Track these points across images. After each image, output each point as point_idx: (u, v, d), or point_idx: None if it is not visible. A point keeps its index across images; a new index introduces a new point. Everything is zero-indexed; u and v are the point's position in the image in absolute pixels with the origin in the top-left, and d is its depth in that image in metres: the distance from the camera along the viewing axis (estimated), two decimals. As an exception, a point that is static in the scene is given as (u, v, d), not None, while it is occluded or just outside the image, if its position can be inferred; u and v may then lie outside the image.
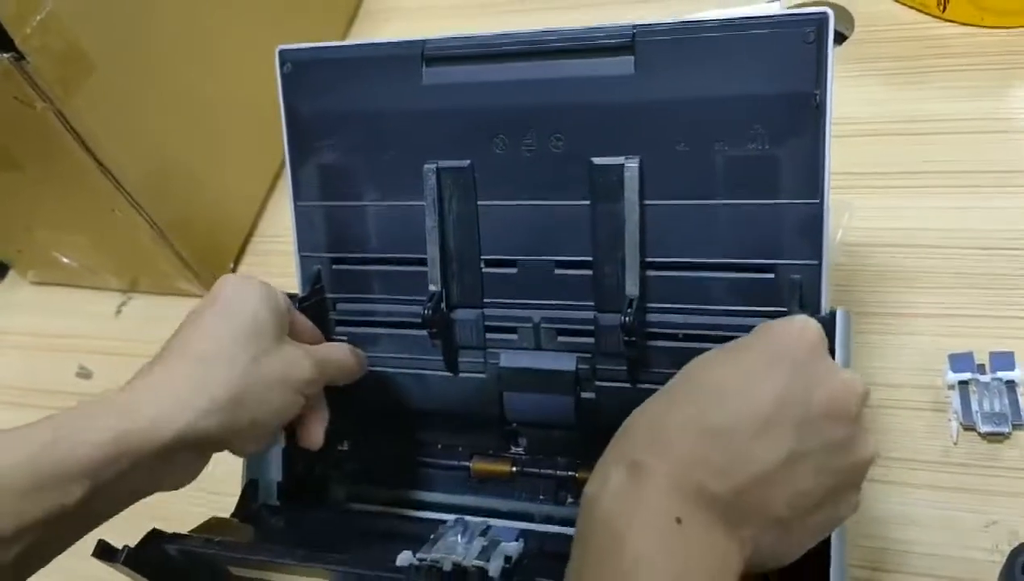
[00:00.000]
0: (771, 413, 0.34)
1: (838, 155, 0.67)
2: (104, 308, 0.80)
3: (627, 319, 0.47)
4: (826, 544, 0.40)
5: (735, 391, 0.35)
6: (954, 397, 0.55)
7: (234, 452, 0.46)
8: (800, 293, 0.46)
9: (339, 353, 0.51)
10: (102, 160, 0.64)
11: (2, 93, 0.60)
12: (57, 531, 0.39)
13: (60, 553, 0.40)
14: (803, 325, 0.37)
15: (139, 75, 0.66)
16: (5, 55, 0.57)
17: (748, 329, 0.46)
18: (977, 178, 0.63)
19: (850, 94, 0.68)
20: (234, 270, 0.78)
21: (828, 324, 0.43)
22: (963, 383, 0.55)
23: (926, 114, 0.67)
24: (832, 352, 0.42)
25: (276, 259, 0.76)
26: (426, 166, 0.51)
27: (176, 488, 0.44)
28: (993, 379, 0.55)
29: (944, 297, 0.59)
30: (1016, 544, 0.48)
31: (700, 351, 0.47)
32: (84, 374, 0.76)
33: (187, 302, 0.78)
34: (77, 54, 0.61)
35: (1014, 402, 0.54)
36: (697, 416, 0.35)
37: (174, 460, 0.42)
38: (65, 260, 0.78)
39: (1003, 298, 0.58)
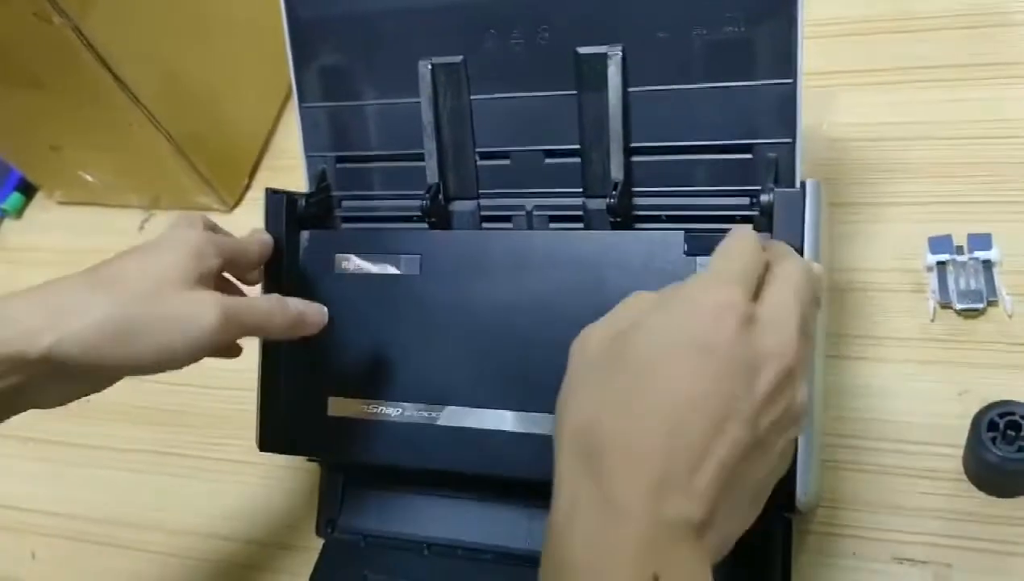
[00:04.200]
0: (724, 412, 0.33)
1: (826, 53, 0.69)
2: (128, 225, 0.84)
3: (612, 201, 0.50)
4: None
5: (687, 395, 0.33)
6: (932, 278, 0.58)
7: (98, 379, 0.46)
8: (776, 170, 0.48)
9: (260, 308, 0.48)
10: (118, 74, 0.67)
11: (22, 10, 0.63)
12: None
13: None
14: (724, 304, 0.35)
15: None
16: (22, -29, 0.60)
17: (728, 208, 0.50)
18: (960, 72, 0.65)
19: (839, -7, 0.70)
20: (249, 184, 0.81)
21: (798, 197, 0.46)
22: (941, 264, 0.57)
23: (912, 12, 0.68)
24: (801, 223, 0.46)
25: (290, 174, 0.78)
26: (421, 63, 0.53)
27: (47, 407, 0.45)
28: (970, 259, 0.57)
29: (926, 186, 0.61)
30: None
31: (683, 231, 0.50)
32: (111, 286, 0.80)
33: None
34: (90, -30, 0.64)
35: (989, 280, 0.56)
36: (656, 425, 0.33)
37: (43, 376, 0.42)
38: (90, 178, 0.81)
39: (983, 185, 0.60)
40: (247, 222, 0.78)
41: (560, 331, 0.50)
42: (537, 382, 0.49)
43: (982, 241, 0.57)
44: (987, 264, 0.57)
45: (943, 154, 0.62)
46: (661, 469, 0.33)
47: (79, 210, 0.87)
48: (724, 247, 0.39)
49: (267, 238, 0.54)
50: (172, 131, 0.73)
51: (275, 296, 0.50)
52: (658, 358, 0.35)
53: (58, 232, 0.86)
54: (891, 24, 0.69)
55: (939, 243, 0.58)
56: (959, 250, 0.58)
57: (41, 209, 0.89)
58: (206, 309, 0.44)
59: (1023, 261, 0.57)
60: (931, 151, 0.62)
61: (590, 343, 0.38)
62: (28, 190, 0.89)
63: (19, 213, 0.89)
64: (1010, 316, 0.56)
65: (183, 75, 0.73)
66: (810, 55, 0.69)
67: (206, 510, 0.65)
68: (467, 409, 0.51)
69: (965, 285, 0.57)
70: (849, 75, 0.67)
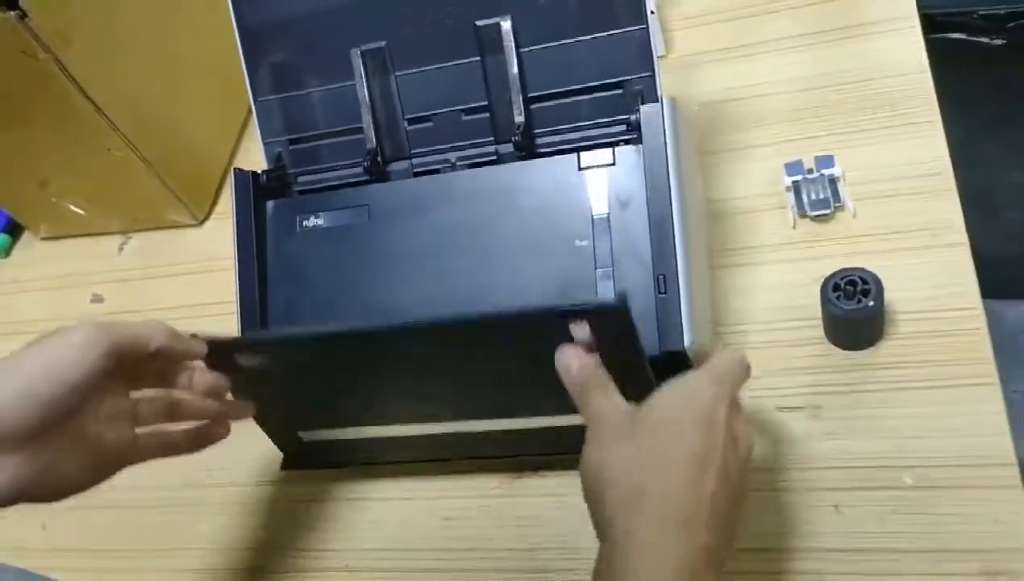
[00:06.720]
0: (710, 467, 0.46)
1: (694, 39, 0.83)
2: (108, 249, 0.94)
3: (517, 139, 0.62)
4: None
5: (698, 461, 0.46)
6: (790, 196, 0.70)
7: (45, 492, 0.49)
8: (642, 98, 0.60)
9: (137, 326, 0.51)
10: (96, 102, 0.78)
11: (10, 48, 0.73)
12: None
13: None
14: (713, 392, 0.48)
15: (120, 31, 0.81)
16: (11, 13, 0.71)
17: (610, 135, 0.62)
18: (808, 39, 0.79)
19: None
20: (216, 200, 0.92)
21: (657, 110, 0.58)
22: (796, 183, 0.70)
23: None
24: (663, 131, 0.58)
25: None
26: (352, 51, 0.65)
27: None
28: (819, 176, 0.69)
29: (781, 129, 0.74)
30: (829, 275, 0.62)
31: (575, 154, 0.62)
32: (97, 299, 0.89)
33: (179, 233, 0.91)
34: (68, 11, 0.75)
35: (835, 191, 0.69)
36: (681, 479, 0.45)
37: None
38: (73, 208, 0.91)
39: (826, 122, 0.73)
40: (217, 234, 0.90)
41: (486, 245, 0.62)
42: (471, 288, 0.61)
43: (826, 161, 0.70)
44: (832, 178, 0.69)
45: (793, 104, 0.75)
46: (685, 510, 0.44)
47: (62, 243, 0.97)
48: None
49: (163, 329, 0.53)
50: (146, 154, 0.83)
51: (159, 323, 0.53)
52: (675, 425, 0.47)
53: (44, 264, 0.96)
54: (753, 10, 0.83)
55: (793, 167, 0.70)
56: (809, 172, 0.70)
57: (28, 247, 0.99)
58: (79, 326, 0.49)
59: (859, 174, 0.69)
60: (784, 103, 0.76)
61: (610, 422, 0.48)
62: (15, 231, 0.99)
63: (7, 253, 0.99)
64: (854, 216, 0.68)
65: (155, 103, 0.85)
66: (680, 41, 0.83)
67: (191, 466, 0.73)
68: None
69: (816, 197, 0.69)
70: (715, 53, 0.81)
